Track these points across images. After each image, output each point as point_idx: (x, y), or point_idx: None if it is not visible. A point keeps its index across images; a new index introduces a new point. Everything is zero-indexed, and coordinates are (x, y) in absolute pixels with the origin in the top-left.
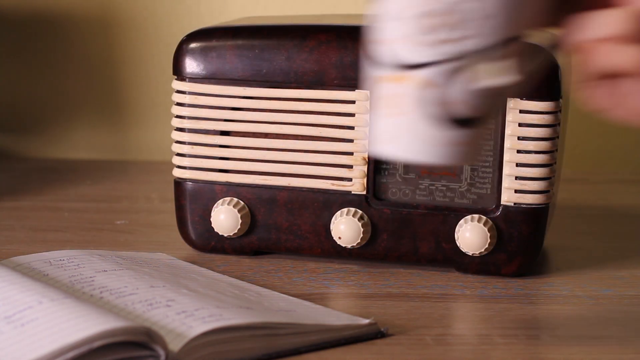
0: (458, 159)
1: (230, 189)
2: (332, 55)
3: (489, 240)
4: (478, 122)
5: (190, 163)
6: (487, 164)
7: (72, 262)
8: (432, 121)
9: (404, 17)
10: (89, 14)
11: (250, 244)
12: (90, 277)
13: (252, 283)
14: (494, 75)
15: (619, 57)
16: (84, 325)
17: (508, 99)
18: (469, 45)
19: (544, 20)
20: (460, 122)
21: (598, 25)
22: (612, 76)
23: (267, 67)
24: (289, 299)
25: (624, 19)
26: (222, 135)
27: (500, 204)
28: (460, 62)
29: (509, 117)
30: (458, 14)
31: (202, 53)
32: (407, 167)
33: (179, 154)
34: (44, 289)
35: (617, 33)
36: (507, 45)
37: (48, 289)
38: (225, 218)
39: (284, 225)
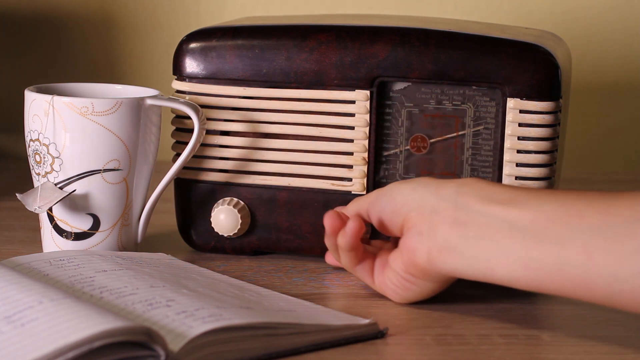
0: None
1: (230, 189)
2: (332, 55)
3: None
4: None
5: (190, 163)
6: (487, 164)
7: (72, 262)
8: None
9: None
10: (89, 14)
11: (250, 244)
12: (90, 277)
13: (252, 283)
14: None
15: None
16: (84, 325)
17: (508, 99)
18: None
19: None
20: None
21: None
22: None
23: (267, 67)
24: (289, 299)
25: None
26: (222, 135)
27: None
28: None
29: (509, 117)
30: None
31: (202, 53)
32: (407, 167)
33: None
34: (44, 289)
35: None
36: None
37: (48, 289)
38: (225, 218)
39: (284, 225)
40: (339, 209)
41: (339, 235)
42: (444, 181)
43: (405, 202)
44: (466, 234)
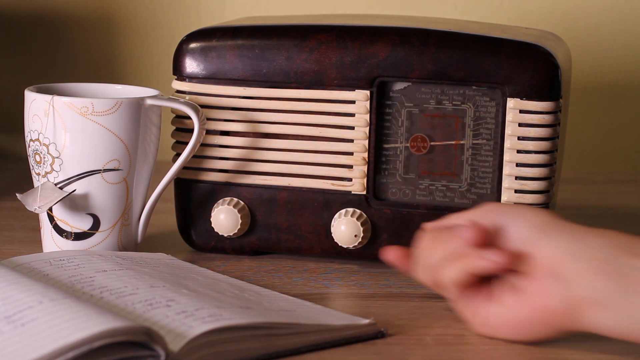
0: None
1: (230, 189)
2: (332, 55)
3: None
4: None
5: (190, 163)
6: (487, 164)
7: (72, 262)
8: None
9: None
10: (89, 14)
11: (250, 244)
12: (90, 277)
13: (252, 283)
14: None
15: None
16: (84, 325)
17: (508, 99)
18: None
19: None
20: None
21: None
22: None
23: (267, 67)
24: (289, 299)
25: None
26: (222, 135)
27: None
28: None
29: (509, 117)
30: None
31: (202, 53)
32: (407, 167)
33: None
34: (44, 289)
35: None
36: None
37: (48, 289)
38: (225, 218)
39: (284, 225)
40: (432, 224)
41: (476, 256)
42: (579, 228)
43: (536, 238)
44: (618, 287)
